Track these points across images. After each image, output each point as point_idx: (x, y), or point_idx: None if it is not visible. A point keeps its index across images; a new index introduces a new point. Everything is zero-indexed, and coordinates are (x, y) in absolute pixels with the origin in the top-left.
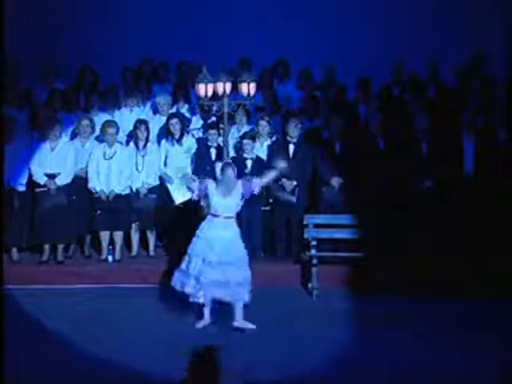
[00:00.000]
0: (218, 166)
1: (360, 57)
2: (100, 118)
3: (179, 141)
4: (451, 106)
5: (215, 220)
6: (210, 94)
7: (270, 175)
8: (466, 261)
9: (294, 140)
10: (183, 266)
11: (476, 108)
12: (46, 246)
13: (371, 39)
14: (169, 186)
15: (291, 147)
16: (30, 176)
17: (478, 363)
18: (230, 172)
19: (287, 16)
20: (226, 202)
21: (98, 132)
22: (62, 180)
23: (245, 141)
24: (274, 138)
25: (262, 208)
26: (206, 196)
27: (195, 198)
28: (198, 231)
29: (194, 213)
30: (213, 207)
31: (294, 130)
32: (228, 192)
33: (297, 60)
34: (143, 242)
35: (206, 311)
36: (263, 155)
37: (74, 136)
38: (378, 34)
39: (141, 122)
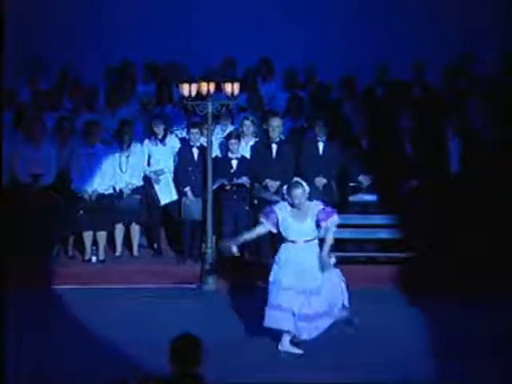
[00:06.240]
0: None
1: (344, 56)
2: (84, 118)
3: (162, 141)
4: (436, 105)
5: (293, 245)
6: (193, 93)
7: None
8: (453, 260)
9: (277, 139)
10: (273, 301)
11: (462, 108)
12: None
13: (356, 38)
14: (156, 186)
15: (274, 147)
16: (14, 176)
17: None
18: (300, 192)
19: (272, 16)
20: (300, 226)
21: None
22: (46, 180)
23: (231, 141)
24: (258, 138)
25: (247, 208)
26: (278, 222)
27: (274, 231)
28: (276, 257)
29: (178, 214)
30: (286, 232)
31: (274, 130)
32: (303, 215)
33: (281, 60)
34: (127, 242)
35: (285, 338)
36: (248, 155)
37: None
38: (364, 33)
39: (125, 122)
